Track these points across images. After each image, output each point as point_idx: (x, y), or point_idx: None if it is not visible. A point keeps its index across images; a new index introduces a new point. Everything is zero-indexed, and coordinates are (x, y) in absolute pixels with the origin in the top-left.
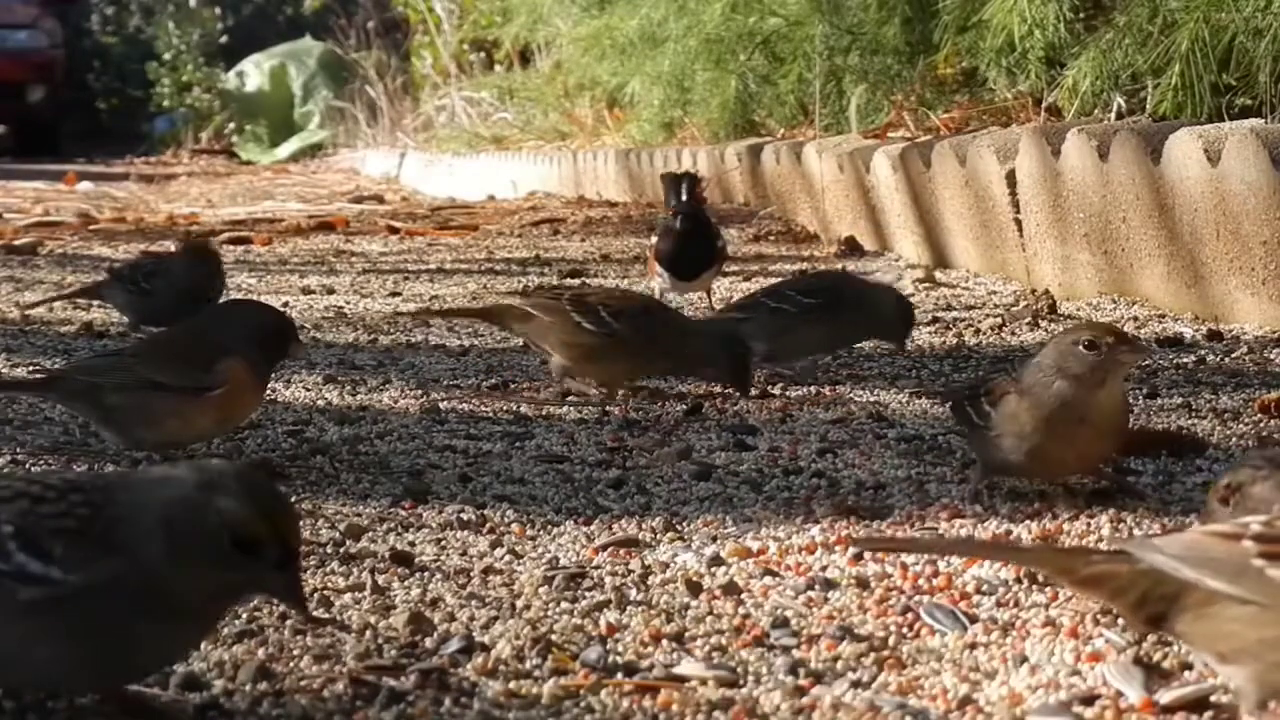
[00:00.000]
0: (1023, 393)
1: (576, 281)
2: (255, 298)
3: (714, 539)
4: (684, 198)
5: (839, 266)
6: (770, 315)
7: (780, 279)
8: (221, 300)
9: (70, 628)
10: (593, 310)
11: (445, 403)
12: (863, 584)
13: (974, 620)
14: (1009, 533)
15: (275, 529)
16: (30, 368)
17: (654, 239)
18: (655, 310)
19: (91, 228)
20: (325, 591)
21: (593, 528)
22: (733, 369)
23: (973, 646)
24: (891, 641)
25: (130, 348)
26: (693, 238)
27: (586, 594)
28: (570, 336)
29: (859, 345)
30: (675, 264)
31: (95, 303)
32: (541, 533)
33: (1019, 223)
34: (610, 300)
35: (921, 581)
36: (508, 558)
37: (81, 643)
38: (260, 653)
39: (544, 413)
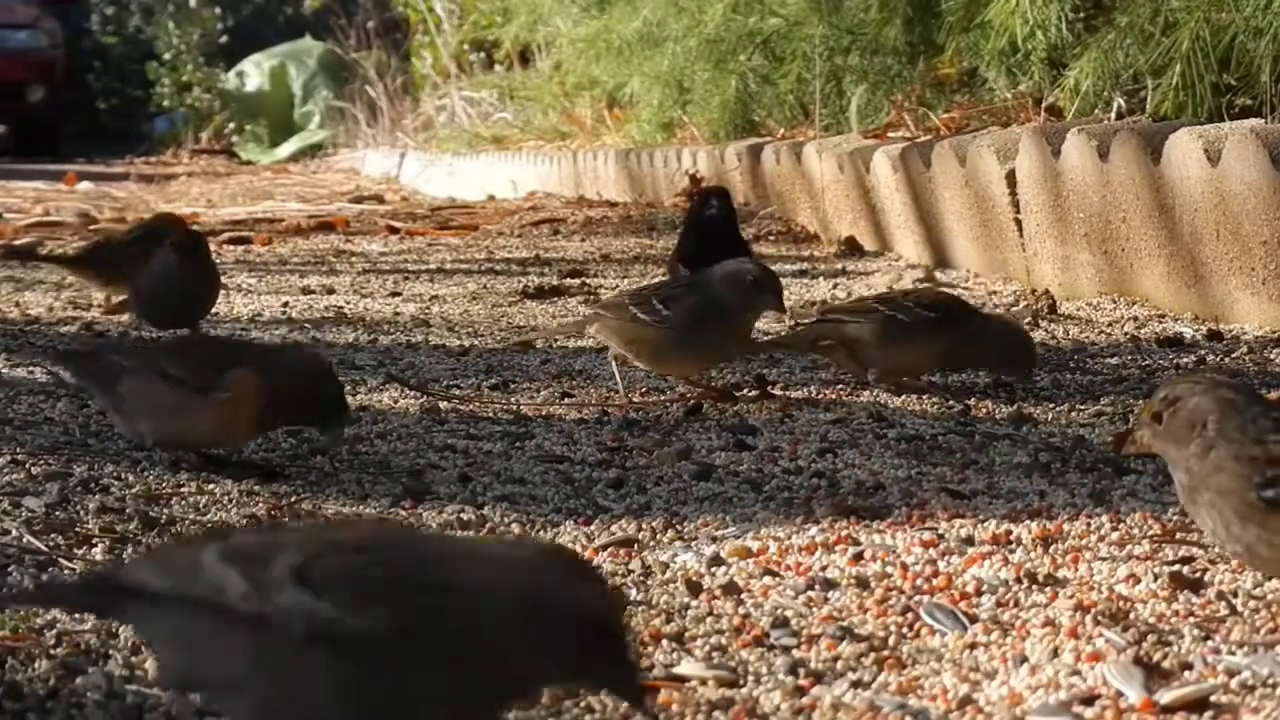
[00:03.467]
0: None
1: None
2: (255, 297)
3: (714, 539)
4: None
5: (839, 267)
6: (885, 322)
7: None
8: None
9: (350, 674)
10: (647, 301)
11: (445, 402)
12: (863, 584)
13: (974, 620)
14: (1009, 533)
15: (620, 620)
16: (30, 368)
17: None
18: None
19: (91, 228)
20: None
21: (593, 528)
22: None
23: (973, 646)
24: (891, 641)
25: (160, 341)
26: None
27: None
28: (631, 332)
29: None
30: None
31: (95, 302)
32: (542, 533)
33: (1019, 223)
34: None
35: (921, 581)
36: None
37: (358, 693)
38: None
39: (544, 413)
